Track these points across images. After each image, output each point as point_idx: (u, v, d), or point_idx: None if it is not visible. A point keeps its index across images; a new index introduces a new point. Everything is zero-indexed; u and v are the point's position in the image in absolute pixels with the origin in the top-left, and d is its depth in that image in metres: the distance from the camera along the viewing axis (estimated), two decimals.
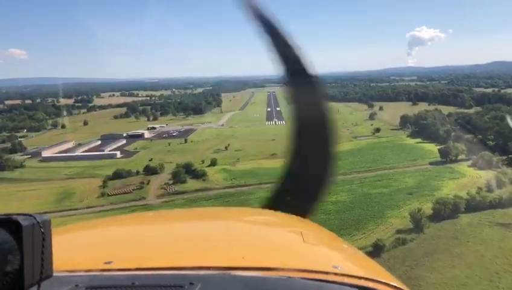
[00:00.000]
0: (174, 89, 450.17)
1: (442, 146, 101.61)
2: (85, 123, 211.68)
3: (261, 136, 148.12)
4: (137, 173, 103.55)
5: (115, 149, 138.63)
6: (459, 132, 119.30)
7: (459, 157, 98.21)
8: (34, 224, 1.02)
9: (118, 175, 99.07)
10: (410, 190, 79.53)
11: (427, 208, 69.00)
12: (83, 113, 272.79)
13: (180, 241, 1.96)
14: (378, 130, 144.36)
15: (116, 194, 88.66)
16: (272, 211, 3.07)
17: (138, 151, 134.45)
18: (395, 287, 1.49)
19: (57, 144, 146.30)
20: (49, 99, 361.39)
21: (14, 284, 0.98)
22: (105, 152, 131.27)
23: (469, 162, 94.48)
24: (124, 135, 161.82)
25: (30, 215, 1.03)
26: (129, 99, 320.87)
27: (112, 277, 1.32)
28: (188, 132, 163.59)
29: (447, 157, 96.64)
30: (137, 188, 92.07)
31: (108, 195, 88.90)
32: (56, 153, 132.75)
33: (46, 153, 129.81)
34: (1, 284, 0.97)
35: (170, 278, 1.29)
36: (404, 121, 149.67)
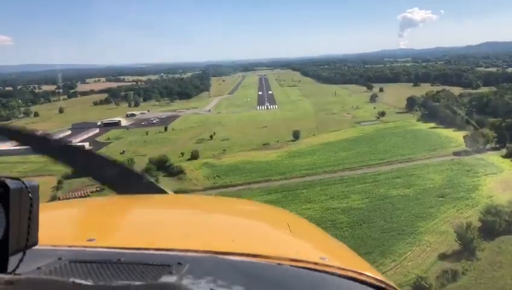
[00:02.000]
0: (162, 74, 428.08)
1: (467, 133, 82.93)
2: (60, 111, 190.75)
3: (251, 123, 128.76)
4: None
5: (85, 140, 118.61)
6: (478, 115, 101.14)
7: (488, 145, 79.98)
8: (22, 188, 0.97)
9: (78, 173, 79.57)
10: (440, 190, 61.05)
11: (471, 216, 50.78)
12: (63, 99, 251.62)
13: (169, 225, 1.93)
14: (383, 113, 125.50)
15: (69, 199, 69.14)
16: (260, 203, 3.31)
17: (110, 143, 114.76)
18: (379, 280, 1.50)
19: None
20: (31, 86, 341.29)
21: None
22: (73, 144, 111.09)
23: (503, 152, 76.24)
24: (98, 123, 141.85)
25: (18, 179, 0.98)
26: (114, 85, 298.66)
27: (96, 252, 1.29)
28: (170, 118, 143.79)
29: (474, 146, 78.12)
30: (98, 190, 72.70)
31: (60, 199, 69.50)
32: (15, 146, 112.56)
33: (2, 146, 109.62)
34: None
35: (157, 257, 1.25)
36: (411, 103, 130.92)
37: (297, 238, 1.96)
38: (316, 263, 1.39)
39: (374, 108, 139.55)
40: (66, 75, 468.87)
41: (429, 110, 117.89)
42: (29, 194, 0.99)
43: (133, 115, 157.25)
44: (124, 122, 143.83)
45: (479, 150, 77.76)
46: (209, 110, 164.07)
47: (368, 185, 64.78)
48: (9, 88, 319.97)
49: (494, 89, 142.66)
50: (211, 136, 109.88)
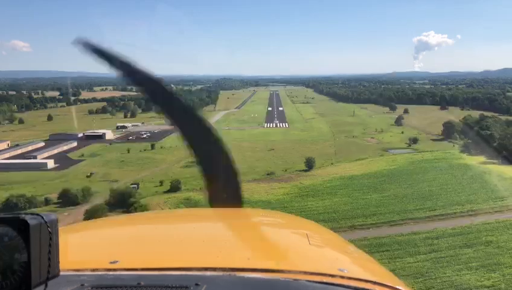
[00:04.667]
0: (172, 85, 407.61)
1: None
2: (49, 118, 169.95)
3: (256, 143, 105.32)
4: (47, 202, 61.27)
5: (54, 155, 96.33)
6: None
7: None
8: (41, 223, 1.00)
9: (8, 207, 56.76)
10: None
11: None
12: (61, 107, 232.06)
13: (186, 242, 1.91)
14: (415, 140, 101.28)
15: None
16: (277, 212, 3.18)
17: (82, 161, 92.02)
18: None
19: None
20: (37, 92, 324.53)
21: (21, 283, 0.97)
22: (34, 161, 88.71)
23: None
24: (80, 135, 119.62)
25: (38, 214, 1.02)
26: (119, 94, 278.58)
27: (117, 276, 1.30)
28: (163, 133, 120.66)
29: None
30: None
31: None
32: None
33: None
34: (9, 282, 0.96)
35: (176, 278, 1.26)
36: (449, 130, 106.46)
37: (317, 249, 1.89)
38: (333, 276, 1.36)
39: (402, 132, 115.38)
40: (77, 82, 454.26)
41: (473, 140, 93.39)
42: (48, 229, 1.01)
43: (123, 127, 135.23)
44: (110, 135, 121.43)
45: None
46: None
47: (422, 261, 40.40)
48: (12, 92, 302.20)
49: None
50: None
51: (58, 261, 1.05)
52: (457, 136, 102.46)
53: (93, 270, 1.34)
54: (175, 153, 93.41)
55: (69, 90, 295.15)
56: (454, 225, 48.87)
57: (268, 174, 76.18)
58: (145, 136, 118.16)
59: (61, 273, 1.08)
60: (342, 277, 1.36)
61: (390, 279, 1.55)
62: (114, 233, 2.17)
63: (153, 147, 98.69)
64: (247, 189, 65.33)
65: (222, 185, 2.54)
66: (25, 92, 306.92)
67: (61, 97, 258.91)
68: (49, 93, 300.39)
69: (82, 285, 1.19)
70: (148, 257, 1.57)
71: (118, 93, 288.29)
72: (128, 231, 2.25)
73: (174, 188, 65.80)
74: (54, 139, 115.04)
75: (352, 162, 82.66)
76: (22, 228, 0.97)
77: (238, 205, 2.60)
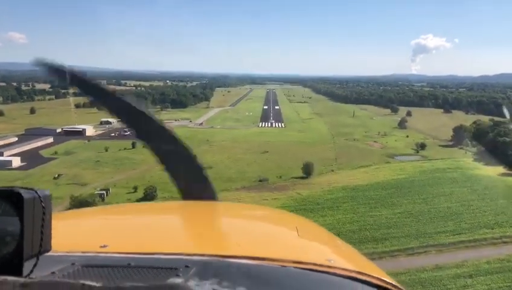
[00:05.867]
0: (168, 81, 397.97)
1: None
2: (32, 111, 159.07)
3: (248, 144, 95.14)
4: None
5: (24, 152, 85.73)
6: None
7: None
8: (35, 197, 0.99)
9: None
10: None
11: None
12: (49, 99, 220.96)
13: (178, 230, 1.96)
14: (422, 146, 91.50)
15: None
16: (269, 208, 3.21)
17: (54, 159, 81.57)
18: (386, 281, 1.48)
19: None
20: (27, 84, 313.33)
21: (13, 255, 0.97)
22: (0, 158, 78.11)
23: None
24: (58, 130, 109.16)
25: (32, 189, 1.01)
26: (113, 88, 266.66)
27: (107, 257, 1.31)
28: None
29: None
30: None
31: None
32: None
33: None
34: (1, 255, 0.97)
35: (165, 261, 1.28)
36: (460, 135, 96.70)
37: (305, 241, 1.93)
38: (321, 265, 1.40)
39: (407, 136, 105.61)
40: None
41: (487, 147, 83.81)
42: (42, 203, 1.01)
43: (107, 122, 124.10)
44: (91, 131, 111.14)
45: None
46: (201, 124, 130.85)
47: None
48: (2, 83, 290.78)
49: None
50: None
51: (50, 237, 1.06)
52: (469, 142, 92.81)
53: (84, 252, 1.37)
54: None
55: (59, 81, 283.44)
56: (488, 255, 38.99)
57: (260, 181, 66.11)
58: (128, 132, 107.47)
59: (53, 253, 1.10)
60: (329, 266, 1.40)
61: (375, 270, 1.60)
62: (105, 220, 2.18)
63: (134, 145, 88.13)
64: (234, 198, 55.27)
65: (190, 181, 2.56)
66: (15, 84, 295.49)
67: (51, 90, 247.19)
68: (41, 86, 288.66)
69: (73, 264, 1.22)
70: (138, 241, 1.61)
71: (111, 87, 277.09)
72: (119, 218, 2.26)
73: (149, 195, 55.56)
74: (29, 134, 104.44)
75: (355, 169, 72.74)
76: (16, 201, 0.97)
77: (213, 199, 2.57)
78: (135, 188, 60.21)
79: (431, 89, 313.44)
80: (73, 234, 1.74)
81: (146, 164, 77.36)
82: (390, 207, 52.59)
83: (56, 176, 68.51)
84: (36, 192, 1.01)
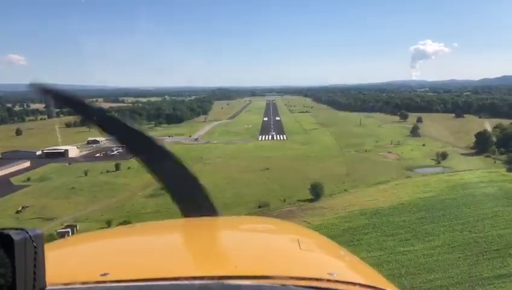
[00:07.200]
0: (166, 96, 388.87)
1: None
2: (18, 132, 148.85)
3: (247, 161, 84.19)
4: None
5: (1, 177, 75.63)
6: None
7: None
8: (26, 238, 0.98)
9: None
10: None
11: None
12: (41, 119, 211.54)
13: (175, 252, 1.90)
14: (443, 155, 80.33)
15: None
16: (270, 219, 3.16)
17: (26, 186, 70.77)
18: None
19: None
20: (22, 104, 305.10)
21: None
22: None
23: None
24: (38, 152, 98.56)
25: (22, 229, 0.99)
26: (107, 106, 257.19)
27: (107, 288, 1.28)
28: None
29: None
30: None
31: None
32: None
33: None
34: None
35: (166, 287, 1.26)
36: (484, 142, 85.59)
37: (307, 254, 1.86)
38: (321, 280, 1.36)
39: (423, 145, 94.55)
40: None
41: None
42: (33, 243, 0.99)
43: (95, 141, 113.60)
44: (75, 152, 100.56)
45: None
46: (196, 139, 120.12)
47: None
48: None
49: None
50: None
51: (44, 276, 1.04)
52: (495, 149, 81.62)
53: (83, 283, 1.32)
54: (143, 175, 71.94)
55: (51, 102, 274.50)
56: None
57: (260, 207, 55.05)
58: (115, 152, 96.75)
59: (51, 287, 1.05)
60: (330, 281, 1.36)
61: (379, 281, 1.55)
62: (104, 245, 2.13)
63: (117, 167, 77.38)
64: None
65: (190, 198, 2.52)
66: (9, 105, 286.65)
67: (44, 110, 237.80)
68: (36, 106, 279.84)
69: None
70: (137, 268, 1.56)
71: (107, 105, 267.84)
72: (118, 242, 2.21)
73: None
74: (6, 158, 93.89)
75: (371, 187, 61.58)
76: (6, 243, 0.95)
77: (215, 214, 2.53)
78: (109, 223, 49.08)
79: (434, 93, 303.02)
80: (72, 264, 1.68)
81: (128, 189, 66.51)
82: (424, 238, 41.30)
83: (20, 209, 57.71)
84: (27, 232, 0.98)
